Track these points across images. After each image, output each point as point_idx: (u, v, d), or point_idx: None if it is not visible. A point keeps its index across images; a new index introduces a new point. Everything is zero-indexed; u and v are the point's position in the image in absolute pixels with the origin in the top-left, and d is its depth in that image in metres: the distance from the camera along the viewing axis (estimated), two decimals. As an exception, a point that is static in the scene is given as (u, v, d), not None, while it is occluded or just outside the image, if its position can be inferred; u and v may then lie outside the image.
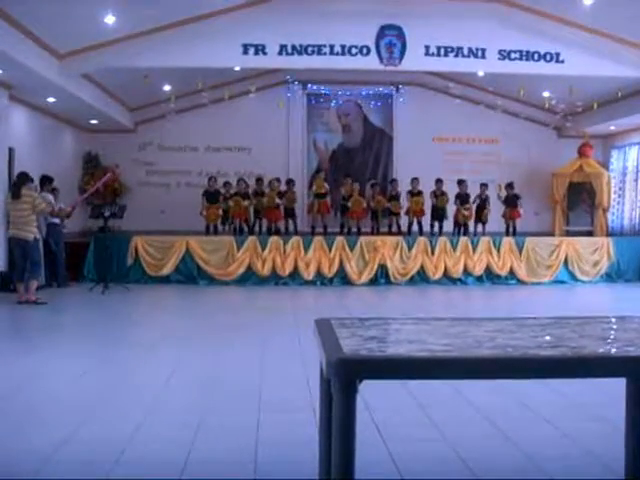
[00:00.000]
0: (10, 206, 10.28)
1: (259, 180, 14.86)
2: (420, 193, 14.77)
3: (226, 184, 14.78)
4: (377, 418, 4.31)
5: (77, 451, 3.80)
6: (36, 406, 4.77)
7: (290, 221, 14.81)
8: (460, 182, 14.84)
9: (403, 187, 15.08)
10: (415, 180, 14.83)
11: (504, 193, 14.96)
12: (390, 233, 14.48)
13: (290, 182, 14.87)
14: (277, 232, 14.36)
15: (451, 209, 14.84)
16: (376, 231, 14.72)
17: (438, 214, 14.73)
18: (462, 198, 14.74)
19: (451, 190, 14.82)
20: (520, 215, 14.98)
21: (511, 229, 14.83)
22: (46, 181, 11.64)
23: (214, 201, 14.30)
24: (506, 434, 4.13)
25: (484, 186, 14.85)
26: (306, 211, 15.40)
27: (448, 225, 14.79)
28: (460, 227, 14.77)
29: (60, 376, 5.74)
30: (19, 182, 10.20)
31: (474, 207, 14.76)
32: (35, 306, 9.73)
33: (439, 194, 14.73)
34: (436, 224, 14.71)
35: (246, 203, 14.42)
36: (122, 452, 3.75)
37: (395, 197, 14.97)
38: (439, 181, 14.82)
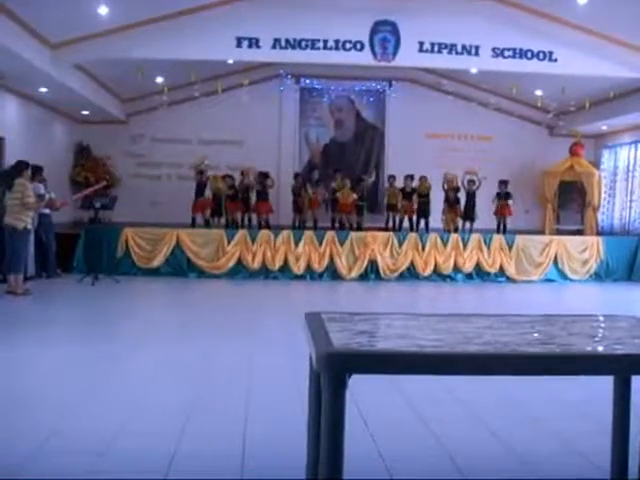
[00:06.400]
0: (6, 195, 10.25)
1: (243, 173, 14.72)
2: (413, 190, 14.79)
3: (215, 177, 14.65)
4: (366, 414, 4.31)
5: (62, 445, 3.78)
6: (21, 399, 4.74)
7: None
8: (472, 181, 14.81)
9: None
10: (408, 177, 14.82)
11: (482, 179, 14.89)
12: (386, 229, 14.50)
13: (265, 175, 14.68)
14: (267, 226, 14.29)
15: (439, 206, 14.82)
16: (359, 226, 14.60)
17: (422, 211, 14.73)
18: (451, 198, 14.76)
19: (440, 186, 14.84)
20: (511, 213, 14.99)
21: (502, 226, 14.83)
22: (36, 171, 11.56)
23: (201, 193, 14.31)
24: (494, 431, 4.15)
25: (471, 182, 14.81)
26: (292, 208, 14.94)
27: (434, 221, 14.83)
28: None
29: (46, 368, 5.72)
30: (13, 174, 10.15)
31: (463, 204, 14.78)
32: (23, 297, 9.70)
33: (423, 189, 14.72)
34: (422, 221, 14.77)
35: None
36: (110, 445, 3.74)
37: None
38: (422, 178, 14.80)
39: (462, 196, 14.78)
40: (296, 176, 15.05)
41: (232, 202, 14.40)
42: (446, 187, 14.60)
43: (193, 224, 14.23)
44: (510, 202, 14.90)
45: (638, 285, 13.28)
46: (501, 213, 14.90)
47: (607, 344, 2.55)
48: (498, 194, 14.94)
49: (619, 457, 2.97)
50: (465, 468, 3.55)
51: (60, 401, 4.68)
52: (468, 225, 14.72)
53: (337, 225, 14.53)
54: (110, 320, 8.52)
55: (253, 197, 14.60)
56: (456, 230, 14.56)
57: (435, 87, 16.63)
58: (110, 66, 12.68)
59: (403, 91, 16.99)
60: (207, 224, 14.31)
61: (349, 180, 14.70)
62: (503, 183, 15.02)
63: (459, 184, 14.68)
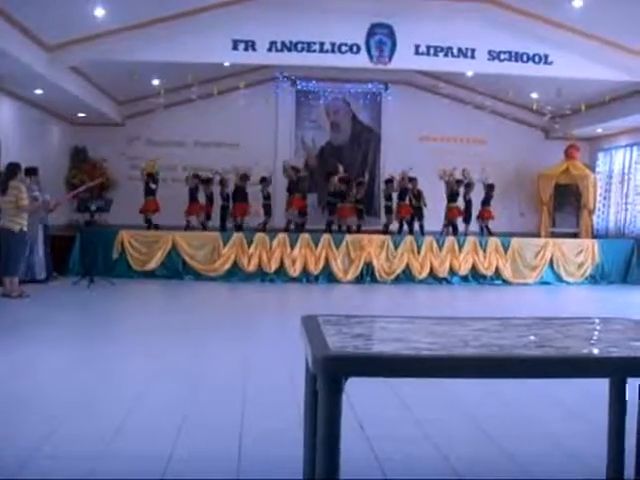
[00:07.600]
0: (0, 198, 10.23)
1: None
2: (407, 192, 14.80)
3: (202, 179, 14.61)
4: (362, 417, 4.32)
5: (59, 446, 3.77)
6: (18, 402, 4.73)
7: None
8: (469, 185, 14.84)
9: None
10: (403, 180, 14.84)
11: (487, 178, 14.95)
12: (380, 232, 14.50)
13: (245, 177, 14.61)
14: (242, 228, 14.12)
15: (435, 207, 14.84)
16: (357, 228, 14.61)
17: (415, 214, 14.69)
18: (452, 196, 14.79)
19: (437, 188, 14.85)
20: (492, 216, 14.91)
21: (485, 230, 14.74)
22: (31, 172, 11.52)
23: (151, 194, 14.22)
24: (489, 433, 4.15)
25: (470, 185, 14.83)
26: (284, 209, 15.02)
27: (432, 224, 14.82)
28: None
29: (42, 371, 5.71)
30: (6, 176, 10.14)
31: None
32: (19, 299, 9.68)
33: (415, 193, 14.72)
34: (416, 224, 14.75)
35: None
36: (107, 447, 3.74)
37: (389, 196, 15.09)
38: (413, 180, 14.77)
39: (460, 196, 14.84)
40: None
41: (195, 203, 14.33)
42: (450, 191, 14.65)
43: (148, 224, 14.03)
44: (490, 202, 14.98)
45: (633, 288, 13.31)
46: (482, 217, 14.86)
47: (603, 347, 2.55)
48: (484, 198, 14.94)
49: (615, 458, 2.98)
50: (460, 468, 3.55)
51: (57, 403, 4.68)
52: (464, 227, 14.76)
53: (334, 228, 14.50)
54: (106, 322, 8.51)
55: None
56: (455, 230, 14.54)
57: (431, 90, 16.62)
58: (106, 68, 12.64)
59: (399, 94, 16.99)
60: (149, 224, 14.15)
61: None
62: (489, 187, 15.00)
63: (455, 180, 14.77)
